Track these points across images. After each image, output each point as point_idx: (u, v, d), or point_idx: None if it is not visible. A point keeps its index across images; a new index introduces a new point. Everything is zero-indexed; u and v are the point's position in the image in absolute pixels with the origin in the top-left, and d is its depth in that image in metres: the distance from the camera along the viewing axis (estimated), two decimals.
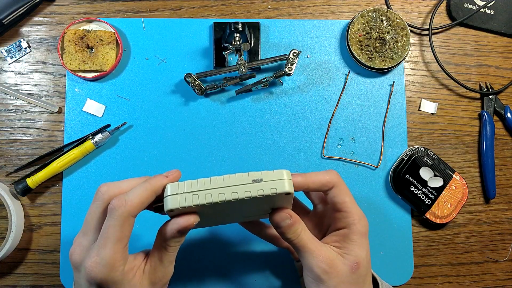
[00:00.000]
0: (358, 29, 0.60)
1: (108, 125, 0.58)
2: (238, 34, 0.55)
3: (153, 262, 0.40)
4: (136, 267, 0.40)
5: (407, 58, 0.63)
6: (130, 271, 0.39)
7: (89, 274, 0.37)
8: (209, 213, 0.39)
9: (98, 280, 0.37)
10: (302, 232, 0.41)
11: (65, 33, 0.58)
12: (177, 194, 0.37)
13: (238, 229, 0.58)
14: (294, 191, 0.39)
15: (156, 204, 0.40)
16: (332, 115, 0.60)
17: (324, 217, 0.47)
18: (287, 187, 0.37)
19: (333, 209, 0.44)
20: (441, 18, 0.64)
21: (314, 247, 0.41)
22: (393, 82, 0.61)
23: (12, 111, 0.59)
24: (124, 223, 0.37)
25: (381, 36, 0.60)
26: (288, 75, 0.58)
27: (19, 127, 0.59)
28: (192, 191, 0.37)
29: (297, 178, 0.41)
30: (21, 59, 0.60)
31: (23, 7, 0.59)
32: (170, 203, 0.37)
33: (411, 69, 0.62)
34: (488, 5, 0.63)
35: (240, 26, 0.55)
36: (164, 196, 0.38)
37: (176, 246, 0.40)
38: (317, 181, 0.42)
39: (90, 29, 0.59)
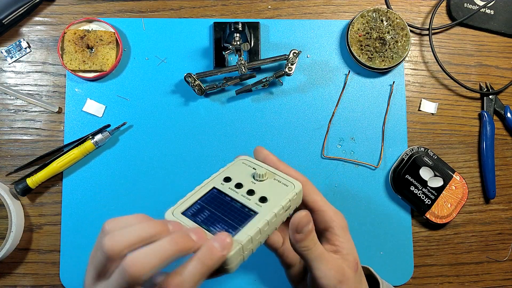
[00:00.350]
0: (358, 29, 0.60)
1: (108, 125, 0.58)
2: (238, 34, 0.55)
3: None
4: None
5: (407, 58, 0.63)
6: None
7: None
8: None
9: None
10: (317, 240, 0.39)
11: (65, 33, 0.58)
12: (238, 257, 0.35)
13: None
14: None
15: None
16: (332, 115, 0.60)
17: None
18: (301, 199, 0.41)
19: (308, 210, 0.42)
20: (441, 18, 0.64)
21: (329, 257, 0.39)
22: (393, 82, 0.61)
23: (12, 111, 0.59)
24: None
25: (381, 36, 0.60)
26: (288, 75, 0.58)
27: (19, 127, 0.59)
28: (249, 248, 0.36)
29: (273, 159, 0.41)
30: (21, 59, 0.60)
31: (23, 7, 0.59)
32: (234, 267, 0.35)
33: (411, 69, 0.62)
34: (488, 5, 0.63)
35: (240, 26, 0.55)
36: (228, 262, 0.35)
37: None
38: (286, 171, 0.41)
39: (90, 29, 0.59)
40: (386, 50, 0.59)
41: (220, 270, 0.35)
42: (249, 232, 0.35)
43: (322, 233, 0.42)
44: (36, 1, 0.60)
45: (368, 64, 0.59)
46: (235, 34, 0.55)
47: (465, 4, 0.63)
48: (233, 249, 0.34)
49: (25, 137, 0.59)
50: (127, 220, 0.34)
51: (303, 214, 0.38)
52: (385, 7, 0.62)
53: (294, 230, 0.38)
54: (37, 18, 0.61)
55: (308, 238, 0.38)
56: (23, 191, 0.56)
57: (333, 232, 0.41)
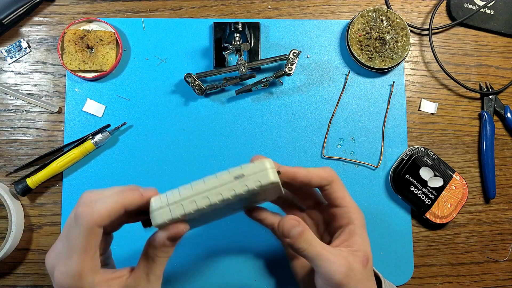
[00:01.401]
0: (358, 29, 0.60)
1: (108, 125, 0.58)
2: (238, 34, 0.55)
3: (138, 275, 0.37)
4: (115, 280, 0.37)
5: (407, 58, 0.63)
6: (103, 283, 0.36)
7: (57, 284, 0.36)
8: (198, 216, 0.38)
9: None
10: (312, 239, 0.39)
11: (65, 33, 0.58)
12: (161, 208, 0.36)
13: (238, 229, 0.58)
14: (290, 182, 0.40)
15: (142, 217, 0.39)
16: (332, 115, 0.60)
17: (319, 216, 0.47)
18: (272, 176, 0.36)
19: (331, 205, 0.44)
20: (441, 18, 0.64)
21: (329, 253, 0.39)
22: (393, 82, 0.61)
23: (12, 111, 0.59)
24: (89, 233, 0.34)
25: (381, 36, 0.60)
26: (288, 75, 0.58)
27: (19, 127, 0.59)
28: (176, 201, 0.36)
29: (287, 168, 0.41)
30: (21, 59, 0.60)
31: (23, 7, 0.59)
32: (157, 219, 0.36)
33: (411, 69, 0.62)
34: (488, 5, 0.63)
35: (240, 26, 0.55)
36: (150, 211, 0.37)
37: (165, 258, 0.38)
38: (319, 175, 0.42)
39: (90, 29, 0.59)
40: (386, 50, 0.59)
41: (146, 222, 0.38)
42: (179, 187, 0.36)
43: (343, 227, 0.43)
44: (36, 1, 0.60)
45: (368, 64, 0.59)
46: (235, 34, 0.55)
47: (465, 4, 0.63)
48: (157, 196, 0.36)
49: (25, 137, 0.59)
50: (105, 189, 0.38)
51: (287, 219, 0.39)
52: (385, 7, 0.62)
53: (281, 235, 0.40)
54: (37, 18, 0.61)
55: (298, 240, 0.39)
56: (23, 191, 0.56)
57: (353, 229, 0.42)
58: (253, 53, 0.60)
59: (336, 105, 0.61)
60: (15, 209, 0.55)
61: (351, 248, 0.41)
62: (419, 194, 0.58)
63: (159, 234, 0.37)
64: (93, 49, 0.59)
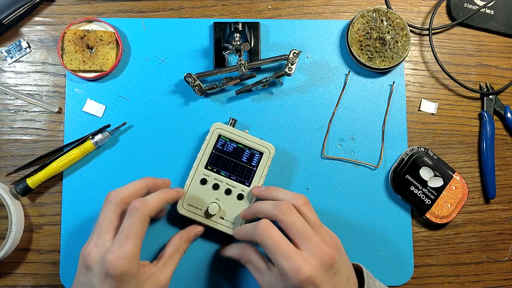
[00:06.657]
0: (358, 29, 0.60)
1: (108, 125, 0.58)
2: (238, 34, 0.55)
3: (160, 264, 0.47)
4: (146, 266, 0.45)
5: (407, 58, 0.63)
6: (142, 267, 0.44)
7: (109, 268, 0.40)
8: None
9: (119, 273, 0.40)
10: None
11: (65, 33, 0.58)
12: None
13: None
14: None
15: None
16: (332, 115, 0.60)
17: None
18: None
19: None
20: (441, 18, 0.64)
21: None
22: (393, 82, 0.61)
23: (12, 111, 0.59)
24: (144, 221, 0.43)
25: (381, 36, 0.60)
26: (288, 75, 0.58)
27: (19, 127, 0.59)
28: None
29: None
30: (21, 59, 0.60)
31: (23, 7, 0.59)
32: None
33: (411, 69, 0.62)
34: (488, 5, 0.63)
35: (240, 26, 0.55)
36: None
37: (184, 250, 0.52)
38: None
39: (90, 29, 0.59)
40: (386, 50, 0.59)
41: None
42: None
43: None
44: (36, 1, 0.60)
45: (368, 64, 0.59)
46: (235, 34, 0.55)
47: (465, 4, 0.63)
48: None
49: (25, 137, 0.59)
50: (126, 186, 0.49)
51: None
52: (385, 7, 0.62)
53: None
54: (37, 18, 0.61)
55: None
56: (23, 191, 0.56)
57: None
58: (253, 53, 0.60)
59: (336, 105, 0.61)
60: (15, 209, 0.55)
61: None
62: (419, 194, 0.58)
63: (188, 232, 0.53)
64: (93, 49, 0.59)
